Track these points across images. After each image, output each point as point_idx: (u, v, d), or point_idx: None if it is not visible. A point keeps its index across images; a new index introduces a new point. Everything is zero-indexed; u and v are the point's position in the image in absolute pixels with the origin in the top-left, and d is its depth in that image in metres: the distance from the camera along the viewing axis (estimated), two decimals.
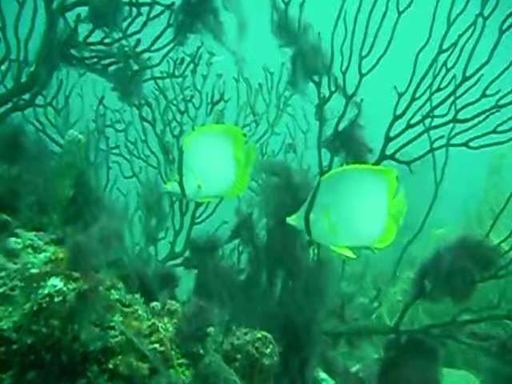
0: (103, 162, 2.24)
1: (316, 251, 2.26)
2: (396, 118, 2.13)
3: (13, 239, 1.74)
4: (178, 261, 2.37)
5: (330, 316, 2.36)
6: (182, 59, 2.44)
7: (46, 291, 1.48)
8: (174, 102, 2.50)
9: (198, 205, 2.46)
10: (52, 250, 1.76)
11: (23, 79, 2.02)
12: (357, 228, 1.52)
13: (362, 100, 2.14)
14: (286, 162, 2.25)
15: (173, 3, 2.14)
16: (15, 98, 2.03)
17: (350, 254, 1.54)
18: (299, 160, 2.84)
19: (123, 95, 2.07)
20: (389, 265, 2.73)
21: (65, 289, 1.48)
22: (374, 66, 2.10)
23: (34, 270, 1.60)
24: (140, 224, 2.42)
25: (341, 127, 2.19)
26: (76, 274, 1.53)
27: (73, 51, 2.02)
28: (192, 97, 2.52)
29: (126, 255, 1.95)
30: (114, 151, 2.51)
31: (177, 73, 2.44)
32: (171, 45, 2.13)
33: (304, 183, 2.04)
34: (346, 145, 2.18)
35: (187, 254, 2.40)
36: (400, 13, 2.04)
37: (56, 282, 1.50)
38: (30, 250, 1.71)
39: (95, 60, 2.05)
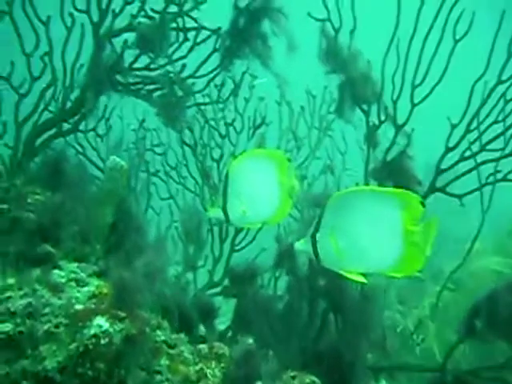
0: (144, 188, 2.19)
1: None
2: (448, 149, 2.04)
3: (56, 271, 1.71)
4: (217, 289, 2.30)
5: (372, 348, 2.27)
6: (223, 82, 2.38)
7: (92, 332, 1.43)
8: (215, 126, 2.44)
9: (238, 231, 2.40)
10: (95, 283, 1.72)
11: (68, 104, 1.99)
12: (366, 254, 1.41)
13: (413, 130, 2.06)
14: (328, 193, 2.16)
15: (219, 28, 2.09)
16: (60, 123, 2.00)
17: (361, 279, 1.43)
18: (337, 181, 2.78)
19: (167, 121, 2.03)
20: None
21: (111, 330, 1.44)
22: (427, 95, 2.02)
23: (78, 307, 1.56)
24: (175, 246, 2.39)
25: (389, 157, 2.11)
26: (122, 314, 1.49)
27: (118, 77, 1.98)
28: (234, 120, 2.47)
29: (166, 285, 1.90)
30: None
31: (218, 95, 2.39)
32: (217, 70, 2.08)
33: None
34: (394, 175, 2.10)
35: (226, 282, 2.35)
36: (456, 41, 1.96)
37: (102, 322, 1.46)
38: (73, 284, 1.68)
39: (140, 86, 2.01)
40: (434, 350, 3.52)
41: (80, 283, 1.70)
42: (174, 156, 2.51)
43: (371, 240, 1.40)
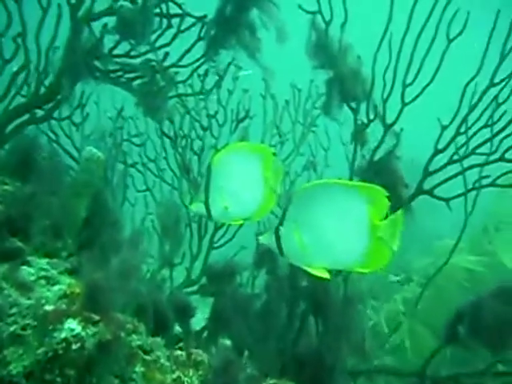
0: (120, 180, 2.09)
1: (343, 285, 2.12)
2: (437, 152, 1.99)
3: (25, 268, 1.60)
4: (195, 287, 2.22)
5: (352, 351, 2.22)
6: (206, 71, 2.28)
7: (63, 335, 1.34)
8: (197, 117, 2.35)
9: (217, 228, 2.33)
10: (67, 281, 1.62)
11: (42, 90, 1.87)
12: (331, 249, 1.36)
13: (401, 129, 2.01)
14: None
15: (205, 15, 1.99)
16: (32, 109, 1.88)
17: (325, 274, 1.37)
18: (319, 178, 2.72)
19: (148, 111, 1.93)
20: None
21: (83, 334, 1.35)
22: (418, 95, 1.96)
23: (48, 307, 1.46)
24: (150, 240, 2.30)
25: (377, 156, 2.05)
26: (95, 317, 1.39)
27: (97, 63, 1.87)
28: (216, 112, 2.38)
29: (142, 284, 1.81)
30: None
31: (201, 85, 2.29)
32: (201, 60, 1.98)
33: None
34: (381, 175, 2.05)
35: (204, 280, 2.26)
36: (450, 40, 1.90)
37: (73, 326, 1.37)
38: (43, 282, 1.57)
39: (119, 73, 1.90)
40: (406, 344, 3.53)
41: (50, 281, 1.60)
42: (153, 147, 2.41)
43: (336, 235, 1.35)
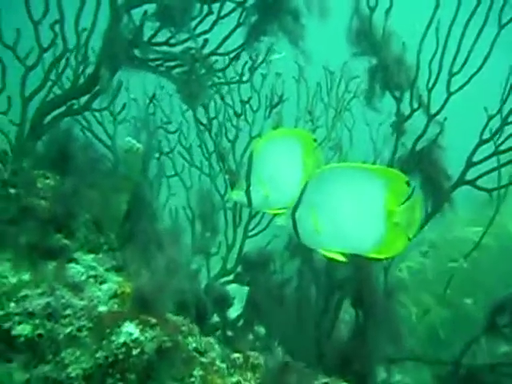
0: (160, 172, 2.06)
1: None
2: (482, 142, 1.95)
3: (73, 266, 1.59)
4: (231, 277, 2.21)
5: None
6: (238, 55, 2.21)
7: (122, 340, 1.33)
8: (231, 104, 2.30)
9: (252, 217, 2.30)
10: (114, 278, 1.62)
11: (81, 80, 1.82)
12: (346, 233, 1.34)
13: (445, 119, 1.96)
14: None
15: (245, 0, 1.92)
16: (71, 100, 1.83)
17: (341, 258, 1.35)
18: (344, 158, 2.68)
19: (188, 99, 1.88)
20: None
21: (142, 338, 1.34)
22: (464, 84, 1.91)
23: (101, 308, 1.45)
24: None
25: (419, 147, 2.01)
26: (152, 320, 1.38)
27: (136, 51, 1.81)
28: (250, 98, 2.32)
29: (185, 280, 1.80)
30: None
31: (233, 71, 2.23)
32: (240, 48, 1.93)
33: None
34: (422, 166, 2.01)
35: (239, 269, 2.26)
36: (501, 27, 1.84)
37: (131, 329, 1.36)
38: (92, 280, 1.56)
39: (159, 62, 1.85)
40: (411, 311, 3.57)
41: (98, 279, 1.59)
42: (185, 135, 2.37)
43: (352, 219, 1.33)
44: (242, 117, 2.31)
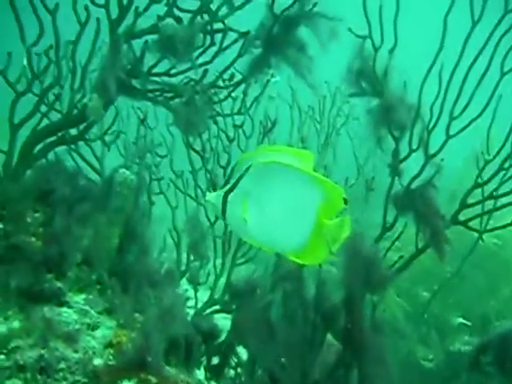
0: (149, 202, 2.00)
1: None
2: (476, 185, 1.97)
3: (65, 310, 1.53)
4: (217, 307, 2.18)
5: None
6: (232, 76, 2.14)
7: None
8: (223, 128, 2.25)
9: (240, 244, 2.27)
10: (108, 323, 1.56)
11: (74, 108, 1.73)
12: (271, 230, 1.31)
13: (442, 160, 1.96)
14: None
15: (248, 32, 1.87)
16: (64, 129, 1.75)
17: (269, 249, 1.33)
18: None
19: (186, 130, 1.82)
20: None
21: None
22: (464, 128, 1.91)
23: (97, 361, 1.40)
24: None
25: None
26: (152, 379, 1.34)
27: (134, 81, 1.74)
28: (243, 123, 2.28)
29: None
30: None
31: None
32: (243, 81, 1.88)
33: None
34: (416, 205, 2.01)
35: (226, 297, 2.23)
36: (503, 74, 1.85)
37: None
38: (84, 328, 1.50)
39: (157, 93, 1.78)
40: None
41: (91, 325, 1.53)
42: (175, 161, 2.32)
43: (281, 218, 1.31)
44: (235, 142, 2.27)
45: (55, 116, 1.77)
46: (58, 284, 1.56)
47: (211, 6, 1.73)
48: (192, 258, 2.13)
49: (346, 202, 1.28)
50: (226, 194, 1.31)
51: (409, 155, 1.98)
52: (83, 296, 1.63)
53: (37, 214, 1.69)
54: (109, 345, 1.47)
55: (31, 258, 1.54)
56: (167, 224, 2.31)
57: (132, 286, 1.69)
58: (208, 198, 1.34)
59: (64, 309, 1.53)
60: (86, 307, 1.58)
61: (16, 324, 1.43)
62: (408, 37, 2.08)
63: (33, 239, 1.62)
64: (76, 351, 1.41)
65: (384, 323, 2.09)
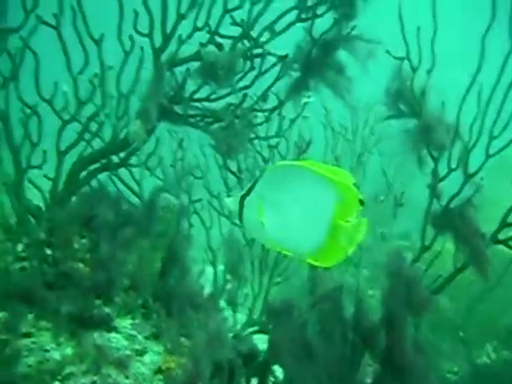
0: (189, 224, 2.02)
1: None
2: None
3: (114, 336, 1.55)
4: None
5: None
6: (265, 97, 2.16)
7: None
8: (258, 149, 2.26)
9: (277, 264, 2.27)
10: (155, 349, 1.58)
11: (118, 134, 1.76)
12: (287, 233, 1.31)
13: (482, 179, 1.96)
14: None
15: (286, 55, 1.89)
16: (108, 156, 1.78)
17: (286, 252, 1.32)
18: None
19: (225, 155, 1.84)
20: None
21: None
22: (503, 148, 1.90)
23: None
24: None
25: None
26: None
27: (176, 107, 1.77)
28: (278, 143, 2.29)
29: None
30: None
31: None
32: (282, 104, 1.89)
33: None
34: (455, 224, 2.01)
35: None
36: None
37: None
38: (133, 354, 1.52)
39: (198, 118, 1.81)
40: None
41: (139, 351, 1.55)
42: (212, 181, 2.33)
43: (297, 221, 1.31)
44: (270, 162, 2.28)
45: (98, 143, 1.80)
46: (107, 310, 1.58)
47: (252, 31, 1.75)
48: (229, 278, 2.14)
49: (362, 203, 1.26)
50: (243, 198, 1.31)
51: (447, 175, 1.98)
52: (129, 321, 1.65)
53: (83, 240, 1.73)
54: (158, 371, 1.49)
55: (80, 285, 1.57)
56: (201, 245, 2.32)
57: (175, 310, 1.71)
58: (227, 203, 1.35)
59: (113, 334, 1.55)
60: (134, 332, 1.60)
61: (69, 350, 1.45)
62: (446, 56, 2.08)
63: (80, 265, 1.64)
64: (127, 377, 1.43)
65: (426, 344, 2.09)
